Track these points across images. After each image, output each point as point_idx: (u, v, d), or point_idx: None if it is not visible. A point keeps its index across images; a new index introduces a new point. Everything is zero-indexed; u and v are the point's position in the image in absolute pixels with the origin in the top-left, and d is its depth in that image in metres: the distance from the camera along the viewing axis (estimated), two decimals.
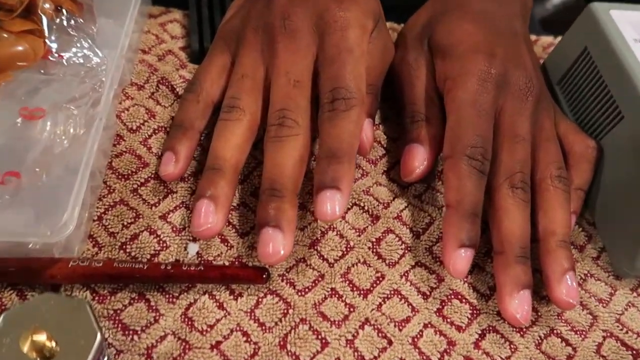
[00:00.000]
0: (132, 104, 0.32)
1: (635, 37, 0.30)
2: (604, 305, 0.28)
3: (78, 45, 0.28)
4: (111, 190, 0.28)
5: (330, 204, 0.24)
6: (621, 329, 0.27)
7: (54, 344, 0.20)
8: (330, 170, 0.24)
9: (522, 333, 0.27)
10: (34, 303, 0.21)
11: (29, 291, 0.25)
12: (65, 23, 0.28)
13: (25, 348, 0.19)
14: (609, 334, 0.27)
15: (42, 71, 0.27)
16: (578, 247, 0.30)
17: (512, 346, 0.26)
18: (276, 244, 0.24)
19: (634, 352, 0.27)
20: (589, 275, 0.29)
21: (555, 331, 0.27)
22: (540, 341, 0.26)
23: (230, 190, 0.25)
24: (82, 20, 0.28)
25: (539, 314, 0.27)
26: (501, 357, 0.26)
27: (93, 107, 0.26)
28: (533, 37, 0.41)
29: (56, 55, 0.27)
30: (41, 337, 0.19)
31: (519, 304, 0.25)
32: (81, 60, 0.28)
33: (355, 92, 0.26)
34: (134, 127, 0.31)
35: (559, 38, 0.41)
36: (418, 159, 0.29)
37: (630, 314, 0.28)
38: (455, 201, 0.26)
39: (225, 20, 0.32)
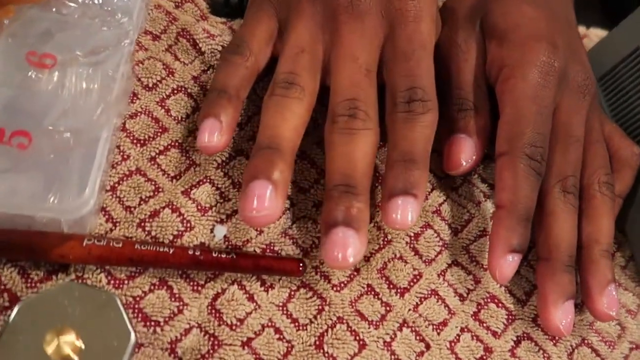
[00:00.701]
0: (146, 56, 0.28)
1: None
2: (632, 316, 0.28)
3: None
4: (125, 157, 0.25)
5: (403, 212, 0.22)
6: None
7: (81, 344, 0.17)
8: (407, 175, 0.22)
9: (555, 342, 0.26)
10: (53, 293, 0.18)
11: (33, 269, 0.22)
12: None
13: (50, 349, 0.16)
14: (635, 346, 0.27)
15: (53, 9, 0.22)
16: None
17: (545, 355, 0.25)
18: (348, 248, 0.21)
19: None
20: (618, 284, 0.29)
21: (586, 341, 0.26)
22: (572, 351, 0.26)
23: (289, 175, 0.22)
24: None
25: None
26: None
27: (116, 60, 0.22)
28: (581, 30, 0.39)
29: None
30: (69, 338, 0.17)
31: (563, 314, 0.24)
32: (101, 1, 0.23)
33: (432, 95, 0.24)
34: (150, 85, 0.27)
35: (591, 30, 0.40)
36: (466, 153, 0.27)
37: None
38: (509, 202, 0.24)
39: None
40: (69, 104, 0.21)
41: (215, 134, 0.23)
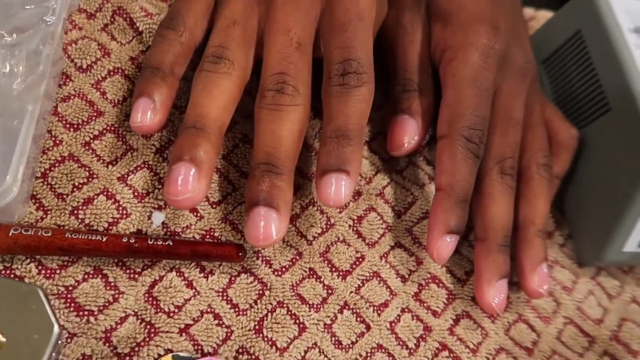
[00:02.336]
0: (80, 35, 0.27)
1: (631, 27, 0.30)
2: (568, 292, 0.29)
3: None
4: (57, 142, 0.24)
5: (336, 188, 0.21)
6: (580, 316, 0.28)
7: (2, 338, 0.16)
8: (339, 151, 0.22)
9: (493, 319, 0.27)
10: None
11: None
12: None
13: None
14: (569, 321, 0.28)
15: None
16: (546, 234, 0.31)
17: (483, 331, 0.26)
18: (269, 226, 0.21)
19: (590, 338, 0.28)
20: (555, 262, 0.30)
21: (522, 317, 0.27)
22: (509, 327, 0.27)
23: (215, 156, 0.22)
24: None
25: (509, 300, 0.28)
26: (473, 343, 0.26)
27: (41, 39, 0.21)
28: (530, 12, 0.39)
29: None
30: None
31: (496, 292, 0.25)
32: None
33: (368, 67, 0.23)
34: (84, 66, 0.26)
35: (540, 12, 0.40)
36: (409, 133, 0.27)
37: (589, 302, 0.29)
38: (447, 185, 0.24)
39: None
40: None
41: (148, 114, 0.22)
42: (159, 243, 0.22)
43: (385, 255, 0.26)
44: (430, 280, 0.27)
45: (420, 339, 0.25)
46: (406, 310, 0.26)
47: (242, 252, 0.23)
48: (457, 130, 0.24)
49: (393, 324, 0.25)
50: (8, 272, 0.21)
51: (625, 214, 0.28)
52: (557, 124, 0.30)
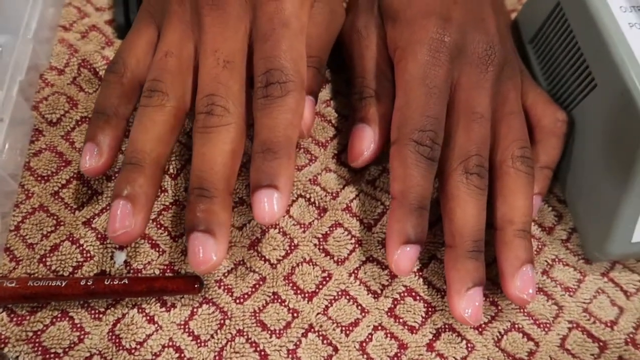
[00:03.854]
0: (51, 91, 0.29)
1: None
2: (571, 293, 0.26)
3: None
4: (29, 195, 0.26)
5: (268, 204, 0.21)
6: (588, 319, 0.25)
7: None
8: (266, 166, 0.22)
9: (480, 330, 0.25)
10: None
11: None
12: None
13: None
14: (575, 325, 0.25)
15: None
16: (547, 229, 0.28)
17: (469, 345, 0.24)
18: (207, 251, 0.21)
19: (601, 343, 0.25)
20: (556, 260, 0.27)
21: (516, 326, 0.25)
22: (499, 337, 0.25)
23: (150, 188, 0.23)
24: None
25: (499, 307, 0.25)
26: (455, 358, 0.24)
27: None
28: None
29: None
30: None
31: (467, 303, 0.22)
32: None
33: (293, 74, 0.23)
34: (54, 120, 0.28)
35: None
36: (365, 142, 0.26)
37: (599, 302, 0.26)
38: (399, 193, 0.23)
39: None
40: None
41: (94, 157, 0.23)
42: (115, 283, 0.23)
43: (355, 272, 0.25)
44: (406, 294, 0.25)
45: (395, 357, 0.24)
46: (379, 328, 0.24)
47: (199, 283, 0.24)
48: (406, 134, 0.23)
49: (364, 344, 0.24)
50: None
51: (626, 199, 0.24)
52: (541, 108, 0.27)
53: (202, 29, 0.24)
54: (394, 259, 0.23)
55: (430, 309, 0.25)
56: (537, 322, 0.25)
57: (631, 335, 0.25)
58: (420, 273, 0.26)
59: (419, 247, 0.23)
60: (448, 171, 0.24)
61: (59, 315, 0.23)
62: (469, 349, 0.24)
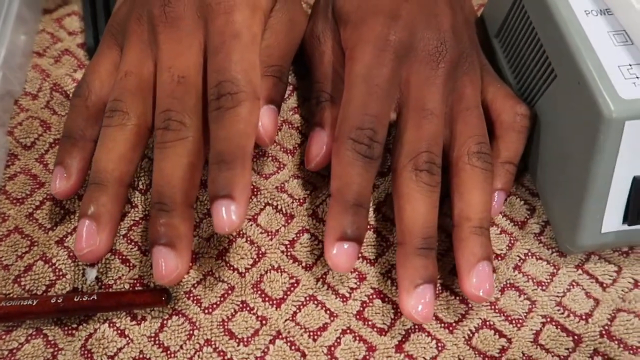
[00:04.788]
0: (26, 116, 0.30)
1: None
2: (543, 288, 0.26)
3: None
4: (5, 218, 0.27)
5: (227, 214, 0.22)
6: (562, 313, 0.25)
7: None
8: (221, 177, 0.22)
9: (450, 329, 0.25)
10: None
11: None
12: None
13: None
14: (548, 320, 0.25)
15: None
16: (519, 223, 0.28)
17: (439, 344, 0.24)
18: (169, 264, 0.22)
19: (575, 337, 0.24)
20: (529, 254, 0.27)
21: (487, 323, 0.25)
22: (470, 336, 0.24)
23: (114, 206, 0.23)
24: None
25: (470, 305, 0.25)
26: (425, 359, 0.24)
27: None
28: None
29: None
30: None
31: (416, 300, 0.22)
32: None
33: (244, 85, 0.23)
34: (29, 144, 0.29)
35: None
36: (318, 145, 0.26)
37: (573, 295, 0.25)
38: (336, 190, 0.23)
39: (115, 9, 0.29)
40: None
41: (62, 180, 0.24)
42: (84, 299, 0.24)
43: (323, 277, 0.26)
44: (374, 296, 0.25)
45: None
46: (347, 331, 0.24)
47: (167, 295, 0.24)
48: (345, 133, 0.23)
49: (332, 348, 0.24)
50: None
51: (590, 189, 0.24)
52: (500, 103, 0.27)
53: (158, 46, 0.24)
54: (330, 255, 0.22)
55: (399, 311, 0.25)
56: (509, 319, 0.25)
57: (606, 327, 0.25)
58: (389, 275, 0.26)
59: (357, 245, 0.23)
60: (398, 169, 0.24)
61: (34, 333, 0.24)
62: (439, 348, 0.24)
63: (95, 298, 0.24)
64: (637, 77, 0.23)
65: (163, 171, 0.23)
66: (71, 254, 0.26)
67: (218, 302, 0.25)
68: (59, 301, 0.23)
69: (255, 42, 0.25)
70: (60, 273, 0.25)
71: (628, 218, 0.24)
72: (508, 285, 0.26)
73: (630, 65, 0.23)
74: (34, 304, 0.23)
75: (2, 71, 0.28)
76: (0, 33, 0.28)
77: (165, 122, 0.23)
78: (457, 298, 0.25)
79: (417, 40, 0.25)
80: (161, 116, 0.23)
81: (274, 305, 0.25)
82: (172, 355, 0.24)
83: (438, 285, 0.25)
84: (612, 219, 0.24)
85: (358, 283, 0.25)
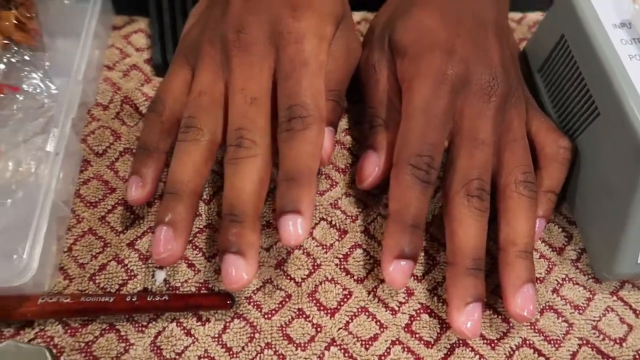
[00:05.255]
0: (97, 125, 0.32)
1: (615, 22, 0.28)
2: (580, 311, 0.27)
3: (30, 77, 0.27)
4: (80, 220, 0.29)
5: (293, 228, 0.23)
6: (597, 336, 0.27)
7: None
8: (289, 194, 0.24)
9: (492, 345, 0.26)
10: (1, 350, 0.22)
11: (5, 327, 0.26)
12: (16, 57, 0.27)
13: None
14: (584, 342, 0.27)
15: None
16: (557, 249, 0.29)
17: (482, 359, 0.26)
18: (239, 270, 0.23)
19: (610, 359, 0.26)
20: (566, 279, 0.28)
21: (527, 342, 0.26)
22: (511, 353, 0.26)
23: (189, 215, 0.25)
24: (32, 53, 0.27)
25: (511, 324, 0.27)
26: None
27: (49, 141, 0.26)
28: (518, 16, 0.39)
29: (9, 90, 0.27)
30: None
31: (466, 317, 0.24)
32: (35, 92, 0.27)
33: (313, 109, 0.25)
34: (100, 151, 0.31)
35: (529, 14, 0.39)
36: (370, 166, 0.28)
37: (608, 320, 0.27)
38: (394, 211, 0.25)
39: (186, 31, 0.31)
40: (13, 186, 0.25)
41: (138, 188, 0.26)
42: (156, 299, 0.26)
43: (374, 290, 0.27)
44: (422, 311, 0.27)
45: None
46: (397, 342, 0.26)
47: (231, 300, 0.26)
48: (404, 159, 0.25)
49: (382, 357, 0.26)
50: (42, 332, 0.26)
51: (630, 222, 0.26)
52: (544, 136, 0.29)
53: (231, 69, 0.27)
54: (388, 272, 0.24)
55: (444, 325, 0.27)
56: (548, 339, 0.27)
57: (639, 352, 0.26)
58: (435, 292, 0.28)
59: (412, 263, 0.25)
60: (451, 194, 0.26)
61: (107, 328, 0.26)
62: None
63: (167, 299, 0.26)
64: None
65: (234, 185, 0.25)
66: (142, 256, 0.28)
67: (277, 309, 0.27)
68: (133, 299, 0.25)
69: (321, 69, 0.27)
70: (132, 273, 0.27)
71: None
72: (547, 307, 0.27)
73: None
74: (111, 301, 0.25)
75: (82, 84, 0.30)
76: (83, 48, 0.30)
77: (238, 140, 0.25)
78: (500, 317, 0.27)
79: (471, 75, 0.27)
80: (234, 134, 0.25)
81: (329, 314, 0.27)
82: (235, 355, 0.25)
83: None
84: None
85: (406, 298, 0.27)
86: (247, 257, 0.24)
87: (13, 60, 0.27)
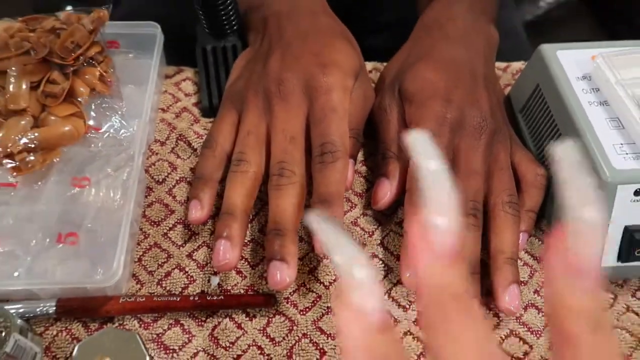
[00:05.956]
0: (157, 159, 0.39)
1: (578, 75, 0.35)
2: None
3: (110, 120, 0.34)
4: (146, 236, 0.35)
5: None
6: None
7: None
8: (324, 212, 0.30)
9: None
10: (98, 335, 0.28)
11: (91, 322, 0.32)
12: (99, 103, 0.34)
13: None
14: None
15: (84, 146, 0.33)
16: (537, 258, 0.36)
17: None
18: (283, 274, 0.29)
19: None
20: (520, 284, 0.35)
21: (514, 332, 0.33)
22: (501, 341, 0.32)
23: (242, 230, 0.31)
24: (111, 99, 0.34)
25: (501, 318, 0.33)
26: None
27: (128, 172, 0.33)
28: (503, 65, 0.46)
29: (94, 131, 0.34)
30: None
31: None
32: (114, 133, 0.34)
33: (340, 146, 0.32)
34: (160, 180, 0.38)
35: (513, 63, 0.46)
36: (383, 191, 0.34)
37: None
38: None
39: (231, 83, 0.38)
40: (100, 208, 0.32)
41: (198, 210, 0.33)
42: (214, 298, 0.32)
43: (389, 291, 0.34)
44: None
45: (421, 355, 0.31)
46: (408, 333, 0.32)
47: (274, 299, 0.32)
48: (415, 185, 0.32)
49: None
50: (121, 326, 0.32)
51: None
52: (525, 166, 0.35)
53: (273, 114, 0.33)
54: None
55: None
56: (531, 330, 0.33)
57: None
58: None
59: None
60: None
61: (173, 322, 0.32)
62: None
63: (222, 298, 0.32)
64: (627, 153, 0.32)
65: (279, 207, 0.31)
66: (199, 264, 0.34)
67: (310, 306, 0.33)
68: (196, 299, 0.32)
69: (346, 114, 0.34)
70: (192, 279, 0.34)
71: (622, 257, 0.32)
72: (530, 304, 0.34)
73: (621, 144, 0.32)
74: (177, 300, 0.32)
75: (148, 125, 0.37)
76: (148, 97, 0.37)
77: (280, 170, 0.32)
78: (491, 312, 0.33)
79: (465, 117, 0.34)
80: (277, 166, 0.32)
81: None
82: (277, 344, 0.31)
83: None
84: (610, 258, 0.33)
85: (415, 298, 0.34)
86: (289, 264, 0.30)
87: (98, 103, 0.34)
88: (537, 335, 0.32)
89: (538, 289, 0.34)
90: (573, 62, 0.36)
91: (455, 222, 0.14)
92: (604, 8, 0.79)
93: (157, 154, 0.39)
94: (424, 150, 0.14)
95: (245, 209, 0.32)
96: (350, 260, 0.13)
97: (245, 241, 0.35)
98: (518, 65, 0.46)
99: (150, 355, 0.28)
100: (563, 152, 0.14)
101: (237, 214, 0.31)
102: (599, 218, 0.13)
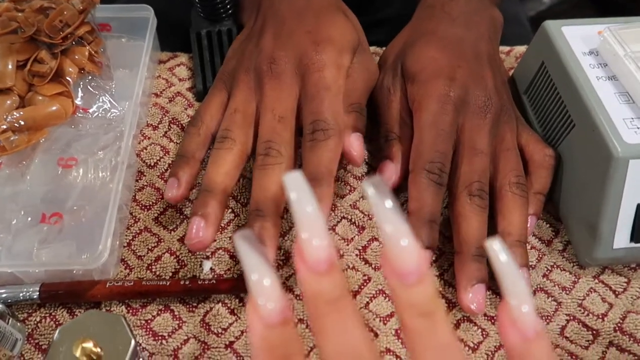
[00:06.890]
0: (149, 143, 0.37)
1: (585, 51, 0.34)
2: (567, 292, 0.32)
3: (100, 100, 0.33)
4: (136, 220, 0.34)
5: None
6: (583, 312, 0.31)
7: (99, 349, 0.25)
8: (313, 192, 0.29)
9: (493, 321, 0.31)
10: (81, 318, 0.26)
11: (76, 308, 0.30)
12: (87, 83, 0.33)
13: (77, 353, 0.24)
14: (571, 317, 0.31)
15: (72, 126, 0.32)
16: (546, 241, 0.34)
17: (483, 332, 0.30)
18: None
19: (594, 332, 0.30)
20: (555, 266, 0.33)
21: None
22: None
23: (219, 209, 0.30)
24: (101, 79, 0.33)
25: None
26: (473, 342, 0.30)
27: (116, 153, 0.31)
28: (506, 49, 0.45)
29: (82, 111, 0.33)
30: (88, 345, 0.25)
31: (473, 296, 0.29)
32: (103, 114, 0.33)
33: (333, 124, 0.31)
34: (152, 164, 0.36)
35: (515, 47, 0.45)
36: (388, 174, 0.33)
37: (591, 299, 0.32)
38: (414, 209, 0.30)
39: (225, 62, 0.37)
40: (87, 189, 0.30)
41: (174, 189, 0.31)
42: (205, 282, 0.30)
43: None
44: None
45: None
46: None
47: None
48: (420, 165, 0.30)
49: (398, 331, 0.30)
50: (108, 312, 0.30)
51: (602, 215, 0.30)
52: (532, 146, 0.34)
53: (263, 92, 0.32)
54: None
55: (451, 304, 0.31)
56: (541, 315, 0.31)
57: (619, 324, 0.31)
58: (442, 277, 0.32)
59: (430, 252, 0.29)
60: (456, 194, 0.31)
61: (163, 308, 0.30)
62: (484, 335, 0.30)
63: (214, 282, 0.30)
64: (638, 127, 0.30)
65: (261, 186, 0.30)
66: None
67: None
68: (186, 283, 0.30)
69: (340, 92, 0.32)
70: (183, 263, 0.32)
71: (634, 237, 0.31)
72: (538, 289, 0.32)
73: (632, 118, 0.31)
74: (167, 284, 0.30)
75: (139, 107, 0.36)
76: (140, 79, 0.36)
77: (266, 150, 0.30)
78: (498, 297, 0.31)
79: (469, 96, 0.32)
80: (263, 145, 0.31)
81: (352, 296, 0.31)
82: None
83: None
84: (622, 238, 0.31)
85: None
86: (268, 246, 0.28)
87: (87, 83, 0.32)
88: (547, 320, 0.31)
89: (547, 273, 0.33)
90: (579, 38, 0.35)
91: (324, 239, 0.17)
92: (606, 2, 0.78)
93: (149, 138, 0.38)
94: (297, 189, 0.17)
95: (224, 187, 0.30)
96: (261, 277, 0.16)
97: (239, 224, 0.34)
98: (521, 49, 0.45)
99: (136, 340, 0.26)
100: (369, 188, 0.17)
101: (216, 192, 0.30)
102: (399, 230, 0.17)
